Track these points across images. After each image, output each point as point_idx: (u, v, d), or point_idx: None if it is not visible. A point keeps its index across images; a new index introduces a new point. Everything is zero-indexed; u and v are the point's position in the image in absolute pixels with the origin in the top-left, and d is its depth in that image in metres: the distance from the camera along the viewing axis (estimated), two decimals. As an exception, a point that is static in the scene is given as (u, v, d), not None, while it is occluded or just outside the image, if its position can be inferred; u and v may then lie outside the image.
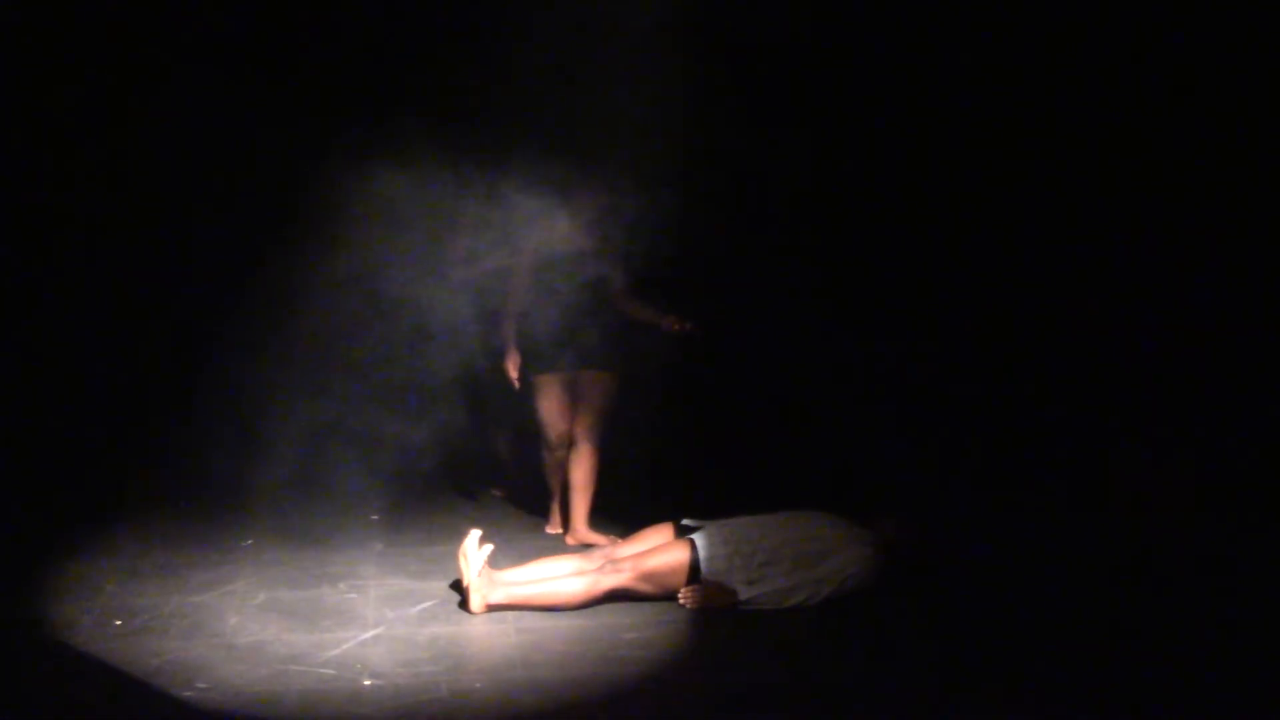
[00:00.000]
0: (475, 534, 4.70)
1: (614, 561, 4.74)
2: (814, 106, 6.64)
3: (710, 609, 4.63)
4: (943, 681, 4.10)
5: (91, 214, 6.58)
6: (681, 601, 4.68)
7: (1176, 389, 6.01)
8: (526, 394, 5.55)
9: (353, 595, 4.85)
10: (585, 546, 5.34)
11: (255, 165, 6.39)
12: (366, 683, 4.06)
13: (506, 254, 5.54)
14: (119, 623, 4.55)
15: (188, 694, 3.97)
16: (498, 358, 5.53)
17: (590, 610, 4.64)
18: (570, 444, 5.54)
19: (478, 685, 4.05)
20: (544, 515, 5.77)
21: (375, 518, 5.85)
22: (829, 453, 6.33)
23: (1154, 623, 4.54)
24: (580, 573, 4.71)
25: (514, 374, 5.48)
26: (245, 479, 5.97)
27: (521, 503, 6.06)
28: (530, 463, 5.94)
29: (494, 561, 4.75)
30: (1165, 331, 6.08)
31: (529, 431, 5.79)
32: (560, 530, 5.65)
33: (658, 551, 4.76)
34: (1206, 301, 6.01)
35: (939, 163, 6.65)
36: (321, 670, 4.15)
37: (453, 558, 4.79)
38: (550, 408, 5.51)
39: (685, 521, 4.92)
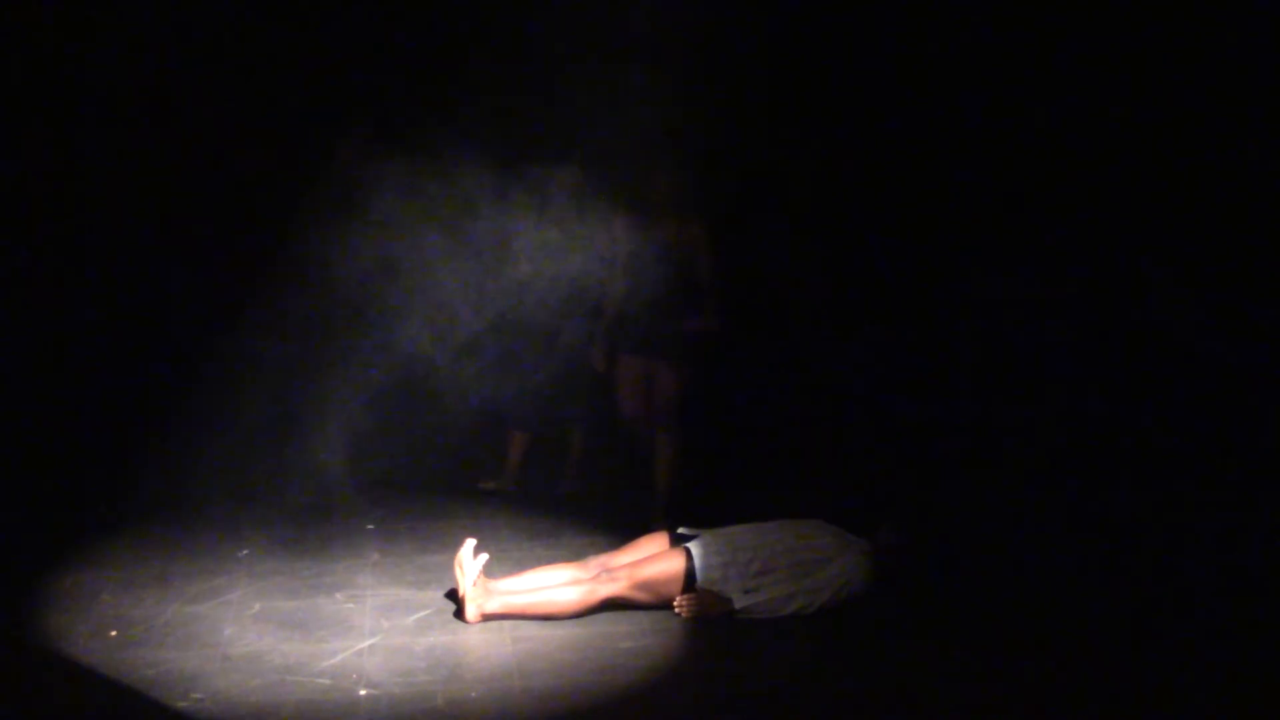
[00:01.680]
0: (470, 543, 4.69)
1: (609, 570, 4.74)
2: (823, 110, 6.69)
3: (706, 617, 4.63)
4: (937, 688, 4.11)
5: (87, 222, 6.58)
6: (677, 610, 4.68)
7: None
8: (608, 374, 5.82)
9: (349, 605, 4.84)
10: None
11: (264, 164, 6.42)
12: (363, 693, 4.07)
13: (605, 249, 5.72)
14: (115, 633, 4.54)
15: (183, 704, 3.98)
16: (590, 342, 5.79)
17: (586, 619, 4.64)
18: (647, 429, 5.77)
19: (474, 695, 4.06)
20: (539, 527, 5.76)
21: (371, 527, 5.83)
22: (824, 461, 6.33)
23: (1151, 623, 4.55)
24: (576, 581, 4.71)
25: (601, 363, 5.79)
26: (239, 488, 5.97)
27: (517, 511, 6.05)
28: (533, 470, 6.13)
29: (489, 570, 4.74)
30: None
31: (548, 438, 6.09)
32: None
33: (653, 560, 4.76)
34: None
35: (942, 167, 6.66)
36: (318, 680, 4.15)
37: (448, 567, 4.79)
38: (625, 387, 5.76)
39: (681, 530, 4.92)
